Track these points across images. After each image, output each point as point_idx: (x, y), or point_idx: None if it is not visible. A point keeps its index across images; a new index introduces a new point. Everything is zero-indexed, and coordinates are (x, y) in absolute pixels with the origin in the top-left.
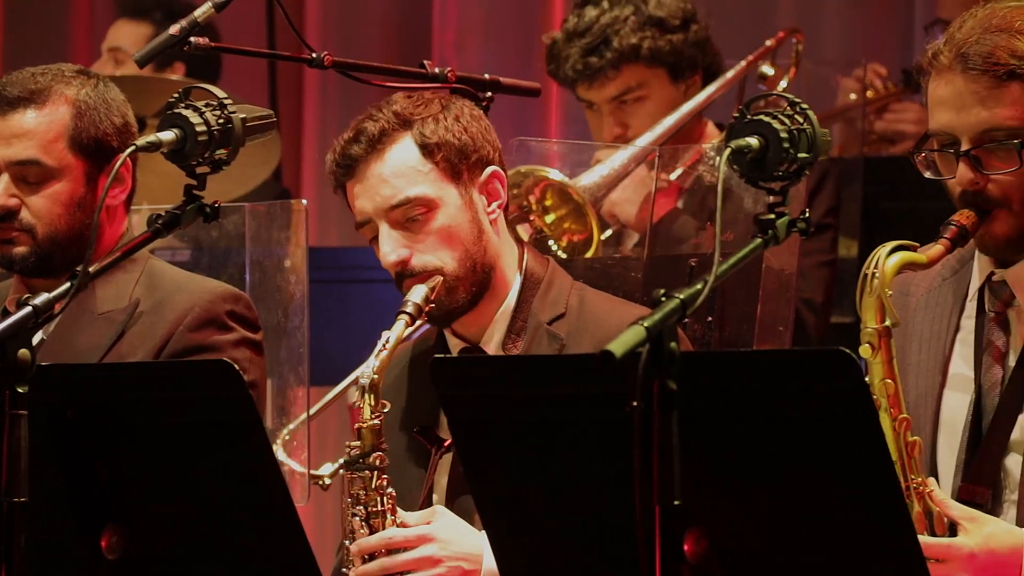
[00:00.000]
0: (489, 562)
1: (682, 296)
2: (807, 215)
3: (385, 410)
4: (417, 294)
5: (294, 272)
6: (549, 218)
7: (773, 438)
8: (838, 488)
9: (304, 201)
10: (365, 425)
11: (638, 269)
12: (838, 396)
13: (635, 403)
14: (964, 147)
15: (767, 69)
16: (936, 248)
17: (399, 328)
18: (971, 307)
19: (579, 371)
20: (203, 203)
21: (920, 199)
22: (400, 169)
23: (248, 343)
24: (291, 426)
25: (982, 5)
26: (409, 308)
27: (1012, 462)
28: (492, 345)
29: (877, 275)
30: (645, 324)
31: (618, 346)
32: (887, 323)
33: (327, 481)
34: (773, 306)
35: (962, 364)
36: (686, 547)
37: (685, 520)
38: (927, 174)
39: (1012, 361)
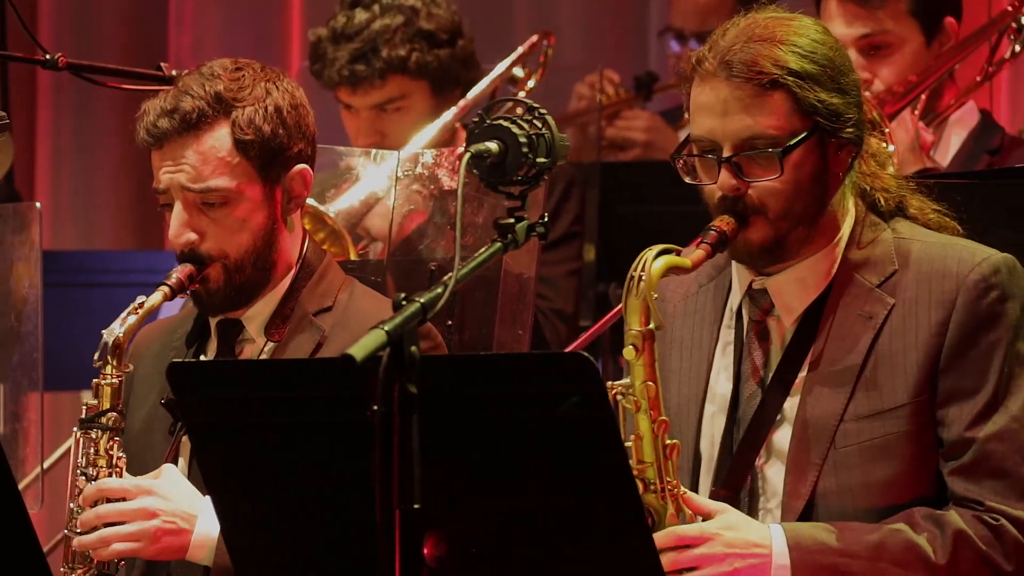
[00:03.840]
0: (203, 525)
1: (422, 300)
2: (546, 219)
3: (127, 370)
4: (183, 270)
5: (27, 276)
6: None
7: (513, 440)
8: (577, 488)
9: (38, 204)
10: (104, 383)
11: (379, 273)
12: (577, 398)
13: (375, 406)
14: (726, 153)
15: (517, 71)
16: (697, 253)
17: (155, 298)
18: (731, 316)
19: (320, 374)
20: None
21: (654, 203)
22: (209, 156)
23: None
24: None
25: (742, 14)
26: (171, 281)
27: (772, 471)
28: (255, 324)
29: (644, 278)
30: (385, 328)
31: (359, 350)
32: (651, 326)
33: None
34: (512, 309)
35: (723, 373)
36: (426, 550)
37: (425, 523)
38: (687, 179)
39: (770, 370)
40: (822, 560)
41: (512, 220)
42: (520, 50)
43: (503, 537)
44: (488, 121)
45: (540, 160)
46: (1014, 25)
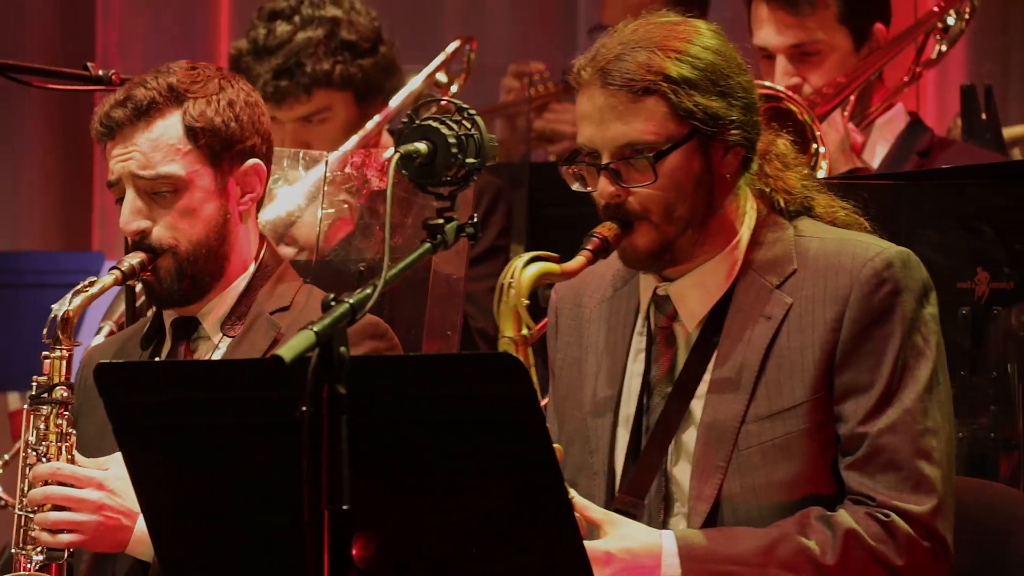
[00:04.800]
0: (142, 524)
1: (352, 301)
2: (475, 219)
3: (76, 347)
4: (135, 257)
5: None
6: None
7: (443, 441)
8: (507, 488)
9: None
10: (54, 356)
11: (307, 274)
12: (506, 399)
13: (304, 407)
14: (604, 160)
15: (441, 76)
16: (577, 260)
17: (106, 280)
18: (642, 323)
19: (248, 375)
20: None
21: (584, 205)
22: (159, 143)
23: None
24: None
25: (630, 20)
26: (124, 266)
27: (683, 475)
28: (210, 321)
29: (513, 285)
30: (315, 329)
31: (288, 351)
32: (524, 332)
33: None
34: (441, 310)
35: (634, 380)
36: (354, 551)
37: (354, 524)
38: (575, 186)
39: (676, 374)
40: (713, 569)
41: (441, 221)
42: (443, 55)
43: (434, 536)
44: (417, 121)
45: (469, 160)
46: (940, 25)
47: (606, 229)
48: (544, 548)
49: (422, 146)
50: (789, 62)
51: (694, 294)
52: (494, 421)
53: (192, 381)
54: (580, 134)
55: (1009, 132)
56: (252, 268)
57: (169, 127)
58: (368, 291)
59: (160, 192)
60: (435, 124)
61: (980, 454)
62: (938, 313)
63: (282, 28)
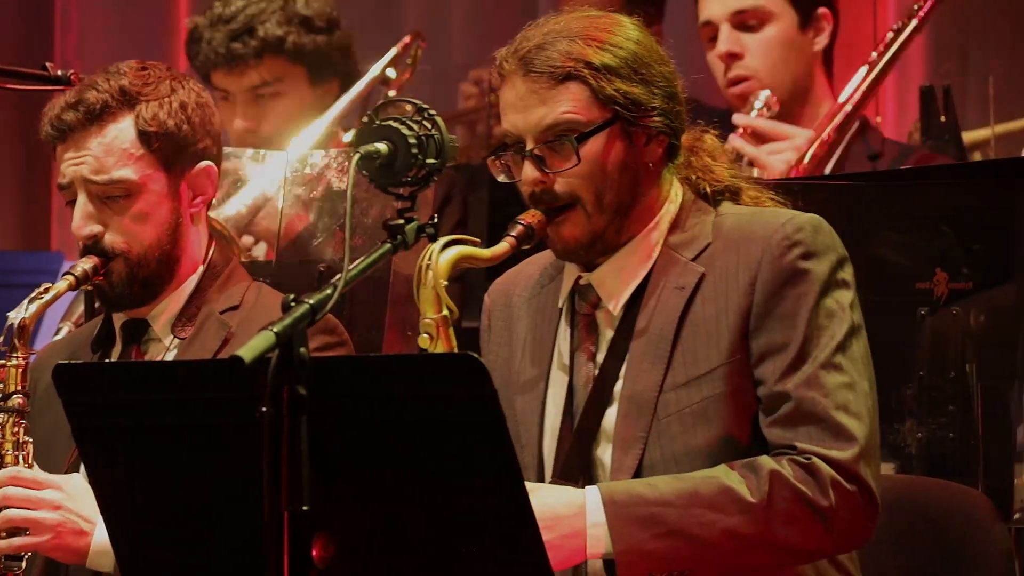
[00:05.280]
0: (102, 533)
1: (312, 301)
2: (436, 220)
3: (32, 356)
4: (88, 262)
5: None
6: None
7: (403, 442)
8: (466, 489)
9: None
10: (10, 364)
11: (267, 274)
12: (467, 400)
13: (264, 408)
14: (529, 146)
15: (390, 72)
16: (501, 245)
17: (61, 286)
18: (567, 314)
19: (208, 376)
20: None
21: None
22: (112, 148)
23: None
24: None
25: (552, 15)
26: (77, 272)
27: (604, 453)
28: (160, 323)
29: (431, 267)
30: (275, 329)
31: (248, 351)
32: (444, 313)
33: None
34: (402, 311)
35: (560, 368)
36: (314, 552)
37: (314, 525)
38: (501, 177)
39: (600, 359)
40: (637, 512)
41: (402, 221)
42: (394, 51)
43: (394, 536)
44: (377, 121)
45: (430, 161)
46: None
47: (530, 216)
48: (504, 547)
49: (382, 146)
50: (733, 30)
51: (615, 280)
52: (455, 421)
53: (152, 382)
54: (504, 122)
55: (969, 136)
56: (201, 269)
57: (122, 131)
58: (328, 292)
59: (113, 197)
60: (395, 124)
61: (939, 454)
62: (854, 282)
63: (238, 2)
